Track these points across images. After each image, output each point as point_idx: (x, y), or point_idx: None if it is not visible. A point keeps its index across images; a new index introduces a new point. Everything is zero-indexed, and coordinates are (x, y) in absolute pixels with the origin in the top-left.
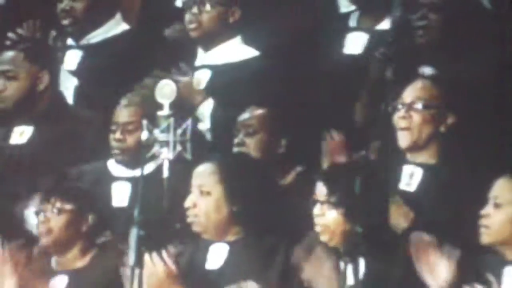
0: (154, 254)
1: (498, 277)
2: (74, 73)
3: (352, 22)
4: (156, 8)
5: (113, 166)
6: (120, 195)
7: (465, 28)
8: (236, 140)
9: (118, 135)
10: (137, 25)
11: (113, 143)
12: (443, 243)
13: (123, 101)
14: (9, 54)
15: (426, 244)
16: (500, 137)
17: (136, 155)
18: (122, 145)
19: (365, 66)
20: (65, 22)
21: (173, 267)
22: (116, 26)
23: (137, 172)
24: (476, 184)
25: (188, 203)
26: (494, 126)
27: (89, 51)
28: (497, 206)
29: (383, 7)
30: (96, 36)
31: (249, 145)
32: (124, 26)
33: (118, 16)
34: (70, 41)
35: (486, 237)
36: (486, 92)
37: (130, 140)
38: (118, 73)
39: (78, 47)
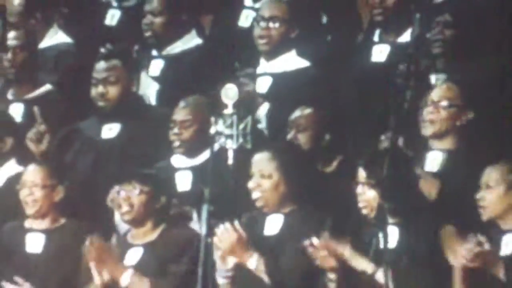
0: (227, 224)
1: (498, 245)
2: (157, 79)
3: (375, 37)
4: (223, 27)
5: (175, 159)
6: (183, 182)
7: (474, 39)
8: (289, 136)
9: (175, 130)
10: (208, 40)
11: (172, 137)
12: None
13: (181, 103)
14: (104, 64)
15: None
16: (500, 132)
17: (193, 147)
18: (180, 138)
19: (390, 73)
20: (147, 34)
21: (243, 233)
22: (191, 40)
23: (196, 161)
24: (481, 167)
25: (251, 184)
26: (498, 122)
27: (170, 60)
28: (488, 187)
29: (404, 24)
30: (176, 48)
31: (300, 139)
32: (198, 41)
33: (193, 32)
34: (154, 52)
35: (484, 215)
36: (493, 94)
37: (186, 134)
38: (193, 79)
39: (161, 57)
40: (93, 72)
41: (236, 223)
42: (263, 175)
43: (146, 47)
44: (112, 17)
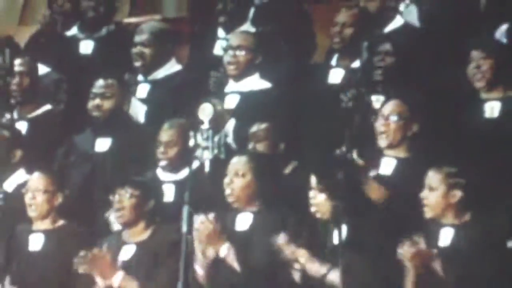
0: (203, 217)
1: (437, 237)
2: (144, 100)
3: (333, 62)
4: (200, 54)
5: (160, 173)
6: (167, 194)
7: (412, 64)
8: (249, 146)
9: (161, 149)
10: (186, 66)
11: (159, 155)
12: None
13: (165, 125)
14: (102, 82)
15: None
16: (435, 140)
17: (176, 163)
18: (166, 157)
19: (341, 92)
20: (137, 64)
21: (217, 225)
22: (172, 67)
23: (178, 176)
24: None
25: (227, 180)
26: (435, 132)
27: (155, 84)
28: (431, 189)
29: (356, 52)
30: (159, 73)
31: (258, 148)
32: (178, 67)
33: (173, 59)
34: (140, 77)
35: (427, 212)
36: (429, 108)
37: (171, 153)
38: (174, 100)
39: (147, 81)
40: (92, 88)
41: (211, 215)
42: (237, 174)
43: (134, 73)
44: (86, 46)
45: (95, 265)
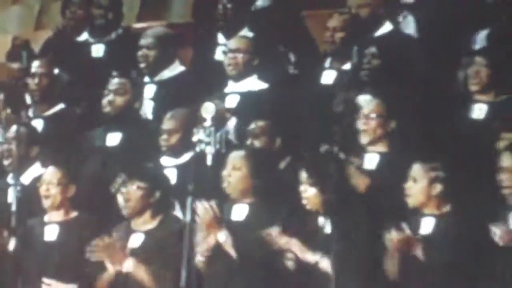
0: (205, 203)
1: (419, 225)
2: (151, 100)
3: (327, 64)
4: (202, 57)
5: (163, 159)
6: (169, 177)
7: (396, 66)
8: (248, 142)
9: (164, 136)
10: (190, 67)
11: (162, 142)
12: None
13: (168, 115)
14: (117, 80)
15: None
16: (420, 136)
17: (177, 149)
18: (167, 143)
19: (334, 92)
20: (142, 65)
21: (217, 211)
22: (176, 68)
23: (179, 161)
24: (408, 164)
25: (225, 172)
26: (418, 128)
27: (160, 85)
28: (414, 180)
29: (347, 55)
30: (164, 75)
31: (256, 144)
32: (182, 68)
33: (177, 61)
34: (147, 79)
35: (410, 202)
36: (412, 106)
37: (172, 140)
38: (179, 98)
39: (153, 82)
40: (106, 86)
41: (212, 202)
42: (235, 167)
43: (140, 74)
44: (97, 50)
45: (106, 253)
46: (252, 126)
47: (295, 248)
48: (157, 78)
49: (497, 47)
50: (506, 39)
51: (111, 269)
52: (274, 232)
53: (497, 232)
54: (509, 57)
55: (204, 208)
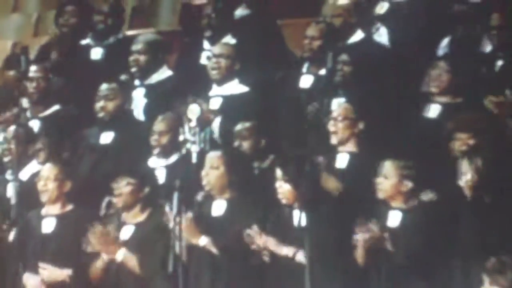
0: (189, 215)
1: (386, 218)
2: (142, 101)
3: (304, 69)
4: (188, 62)
5: (152, 160)
6: (159, 177)
7: (366, 73)
8: (235, 144)
9: (155, 137)
10: (176, 71)
11: (153, 143)
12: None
13: (159, 117)
14: (106, 85)
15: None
16: (388, 136)
17: (167, 150)
18: (159, 144)
19: (310, 96)
20: (133, 69)
21: (193, 224)
22: (164, 72)
23: (168, 161)
24: (376, 162)
25: (203, 173)
26: (384, 128)
27: (150, 88)
28: (385, 177)
29: (323, 62)
30: (153, 79)
31: (244, 145)
32: (170, 72)
33: (165, 66)
34: (137, 82)
35: (380, 194)
36: (380, 109)
37: (163, 140)
38: (167, 100)
39: (143, 85)
40: (97, 91)
41: (189, 214)
42: (212, 166)
43: (131, 77)
44: (96, 53)
45: (101, 243)
46: (239, 127)
47: (272, 247)
48: (146, 82)
49: (458, 53)
50: (464, 46)
51: (105, 257)
52: (252, 232)
53: None
54: (467, 63)
55: (186, 222)
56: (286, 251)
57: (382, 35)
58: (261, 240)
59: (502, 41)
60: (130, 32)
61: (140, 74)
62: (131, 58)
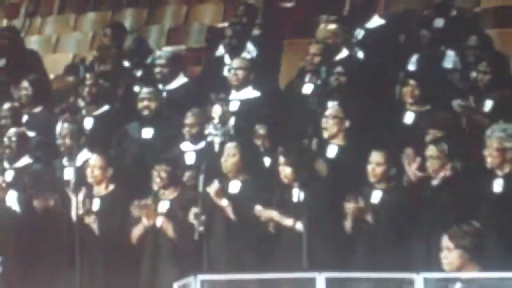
0: (216, 184)
1: (370, 196)
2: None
3: (306, 79)
4: (212, 72)
5: (184, 145)
6: (190, 159)
7: (357, 81)
8: (259, 143)
9: (187, 128)
10: (192, 79)
11: (185, 133)
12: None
13: (189, 113)
14: (147, 89)
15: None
16: (374, 130)
17: (196, 138)
18: (189, 133)
19: (311, 101)
20: (158, 77)
21: (220, 189)
22: (180, 79)
23: (197, 147)
24: (364, 153)
25: (223, 159)
26: (371, 126)
27: (171, 92)
28: (378, 164)
29: (321, 73)
30: (173, 84)
31: (258, 142)
32: (185, 79)
33: (181, 74)
34: (161, 86)
35: (371, 178)
36: (362, 111)
37: (192, 131)
38: (186, 103)
39: (165, 90)
40: (139, 94)
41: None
42: (229, 154)
43: (157, 84)
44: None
45: (144, 211)
46: (257, 128)
47: (276, 218)
48: (167, 87)
49: (424, 69)
50: (429, 63)
51: (145, 223)
52: (259, 208)
53: None
54: (431, 77)
55: (214, 189)
56: (287, 221)
57: (361, 53)
58: (267, 213)
59: (463, 58)
60: (166, 48)
61: (163, 82)
62: (156, 70)
